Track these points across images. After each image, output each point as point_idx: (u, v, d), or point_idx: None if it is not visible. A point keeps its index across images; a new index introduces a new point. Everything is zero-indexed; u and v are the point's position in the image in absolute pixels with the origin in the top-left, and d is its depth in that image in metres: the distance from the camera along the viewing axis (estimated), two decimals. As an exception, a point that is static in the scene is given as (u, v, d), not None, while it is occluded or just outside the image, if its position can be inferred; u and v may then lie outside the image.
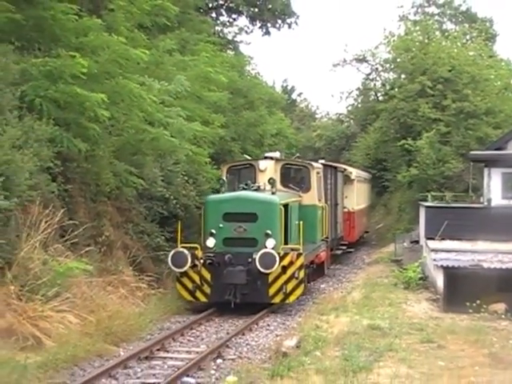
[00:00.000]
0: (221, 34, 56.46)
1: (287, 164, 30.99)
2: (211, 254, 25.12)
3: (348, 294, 28.95)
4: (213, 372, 18.24)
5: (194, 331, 22.62)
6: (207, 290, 25.32)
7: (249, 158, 32.91)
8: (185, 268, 25.04)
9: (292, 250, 25.40)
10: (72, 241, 23.21)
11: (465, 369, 16.86)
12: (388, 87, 58.41)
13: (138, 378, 17.83)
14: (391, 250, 40.18)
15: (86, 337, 19.98)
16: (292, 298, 25.19)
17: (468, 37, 60.91)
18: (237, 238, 25.46)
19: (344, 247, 40.88)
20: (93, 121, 25.25)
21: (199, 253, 25.28)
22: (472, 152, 39.07)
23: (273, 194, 26.70)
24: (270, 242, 24.80)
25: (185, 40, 40.90)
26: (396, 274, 31.33)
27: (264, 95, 53.61)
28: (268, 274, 24.52)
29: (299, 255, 24.98)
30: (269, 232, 25.01)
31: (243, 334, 22.18)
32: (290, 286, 24.82)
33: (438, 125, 48.15)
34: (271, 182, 27.02)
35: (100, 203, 27.59)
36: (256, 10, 57.71)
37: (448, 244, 28.55)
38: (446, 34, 61.18)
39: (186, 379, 17.27)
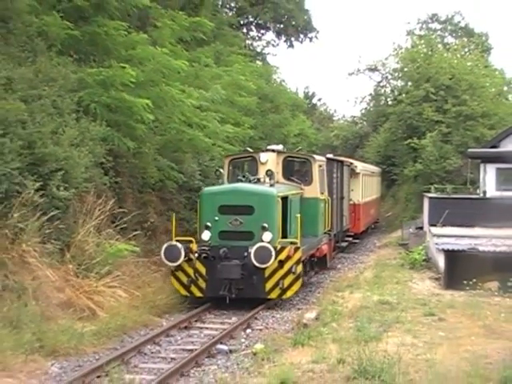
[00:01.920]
0: (251, 47, 56.39)
1: (289, 157, 27.13)
2: (206, 248, 21.83)
3: (361, 273, 28.90)
4: (243, 340, 18.32)
5: (227, 305, 21.95)
6: (202, 284, 21.95)
7: (251, 150, 28.54)
8: (178, 262, 21.74)
9: (291, 243, 22.06)
10: (121, 226, 23.35)
11: (462, 338, 16.86)
12: (396, 93, 58.26)
13: (179, 344, 17.98)
14: (399, 235, 40.11)
15: (134, 309, 20.16)
16: (289, 294, 21.96)
17: (466, 49, 60.75)
18: (232, 231, 22.09)
19: (350, 239, 37.74)
20: (139, 122, 25.41)
21: (194, 246, 21.92)
22: (470, 150, 38.92)
23: (271, 186, 23.39)
24: (267, 236, 21.61)
25: (219, 52, 40.97)
26: (403, 256, 31.28)
27: (288, 100, 53.68)
28: (264, 269, 21.29)
29: (297, 249, 21.67)
30: (265, 225, 21.72)
31: (269, 308, 22.07)
32: (287, 281, 21.56)
33: (440, 126, 48.03)
34: (269, 173, 23.91)
35: (146, 194, 27.79)
36: (281, 26, 57.64)
37: (448, 230, 28.47)
38: (447, 46, 61.06)
39: (219, 346, 17.37)
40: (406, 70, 55.56)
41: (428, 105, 49.36)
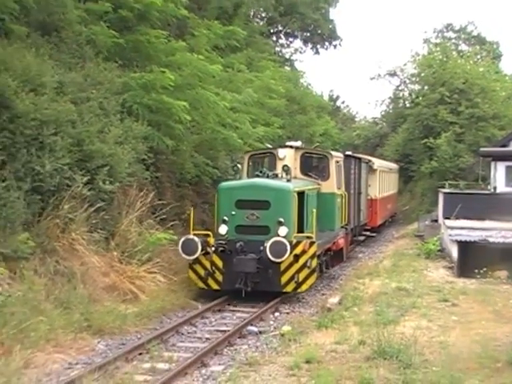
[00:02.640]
0: (280, 54, 56.38)
1: (307, 153, 25.67)
2: (223, 242, 20.59)
3: (380, 262, 28.85)
4: (271, 322, 18.41)
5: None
6: (219, 277, 20.79)
7: (270, 146, 27.35)
8: (195, 255, 20.52)
9: (307, 238, 20.81)
10: (161, 217, 23.47)
11: (473, 323, 16.85)
12: (414, 96, 58.09)
13: (213, 326, 18.05)
14: (415, 227, 39.97)
15: (172, 293, 20.30)
16: (304, 288, 20.61)
17: (479, 56, 60.57)
18: (249, 226, 20.78)
19: (367, 232, 36.50)
20: (177, 122, 25.45)
21: (211, 240, 20.75)
22: (481, 149, 38.77)
23: (288, 181, 22.19)
24: (283, 230, 20.28)
25: (251, 58, 40.99)
26: (419, 247, 31.16)
27: (314, 102, 53.65)
28: (280, 263, 20.02)
29: (312, 244, 20.36)
30: (281, 220, 20.44)
31: (296, 293, 21.78)
32: (302, 275, 20.23)
33: (454, 127, 47.84)
34: (286, 169, 22.66)
35: (183, 188, 27.89)
36: (308, 34, 57.55)
37: (461, 223, 28.38)
38: (461, 53, 60.75)
39: (250, 328, 17.46)
40: (422, 75, 55.38)
41: (443, 107, 49.16)
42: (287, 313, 19.55)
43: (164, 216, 23.59)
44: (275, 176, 22.99)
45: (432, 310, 18.31)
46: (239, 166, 23.88)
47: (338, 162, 26.01)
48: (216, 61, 30.28)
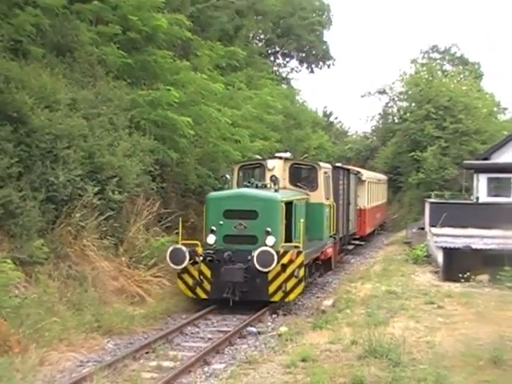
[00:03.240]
0: (277, 73, 56.43)
1: (296, 164, 24.38)
2: (211, 251, 19.31)
3: (371, 267, 28.86)
4: (269, 324, 18.38)
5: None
6: (207, 286, 19.51)
7: (259, 157, 26.17)
8: (183, 265, 19.26)
9: (295, 247, 19.58)
10: (166, 225, 23.48)
11: (458, 323, 16.85)
12: (402, 112, 58.03)
13: (215, 326, 18.05)
14: (403, 234, 39.96)
15: (176, 296, 20.27)
16: (292, 297, 19.42)
17: (462, 76, 60.59)
18: (237, 235, 19.53)
19: (356, 241, 35.26)
20: (182, 137, 25.53)
21: (199, 249, 19.40)
22: (465, 161, 38.86)
23: (276, 191, 20.70)
24: (270, 240, 19.04)
25: (250, 77, 41.09)
26: (407, 253, 31.17)
27: (309, 118, 53.93)
28: (267, 272, 18.80)
29: (299, 253, 19.06)
30: (269, 229, 19.20)
31: (284, 302, 20.97)
32: (289, 285, 18.99)
33: (439, 141, 47.90)
34: (273, 179, 21.10)
35: (187, 197, 27.88)
36: (303, 54, 57.68)
37: (446, 230, 28.34)
38: (446, 73, 60.83)
39: (249, 328, 17.45)
40: (410, 92, 55.48)
41: (429, 122, 49.26)
42: (284, 315, 19.48)
43: (169, 224, 23.56)
44: (264, 186, 21.92)
45: (419, 311, 18.32)
46: (228, 176, 22.43)
47: (326, 172, 24.90)
48: (218, 79, 30.40)
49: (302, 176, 24.57)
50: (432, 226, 30.22)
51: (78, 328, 15.80)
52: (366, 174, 39.10)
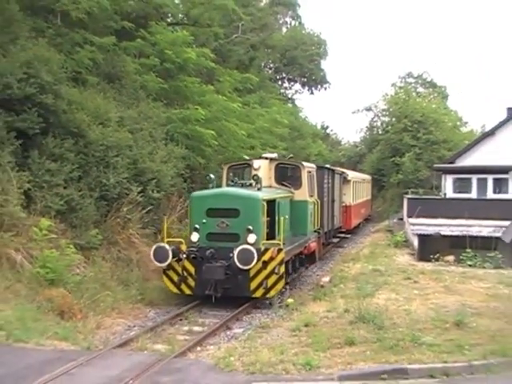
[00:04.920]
0: (284, 94, 56.45)
1: (281, 164, 21.52)
2: (194, 249, 16.82)
3: (360, 250, 28.64)
4: (279, 296, 18.12)
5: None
6: (192, 283, 16.93)
7: (247, 158, 23.19)
8: (166, 263, 16.65)
9: (277, 244, 16.87)
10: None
11: (429, 295, 16.71)
12: (384, 126, 57.85)
13: (235, 299, 18.05)
14: (386, 224, 39.81)
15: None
16: (273, 293, 16.60)
17: (431, 96, 60.70)
18: (219, 233, 16.90)
19: (342, 234, 32.32)
20: (207, 146, 25.71)
21: (184, 247, 16.92)
22: (435, 165, 38.82)
23: (258, 190, 18.13)
24: (252, 238, 16.59)
25: (262, 97, 41.14)
26: (389, 238, 30.94)
27: (309, 130, 53.91)
28: (249, 269, 16.19)
29: (279, 250, 16.43)
30: (250, 227, 16.61)
31: (298, 274, 21.00)
32: (270, 281, 16.40)
33: (414, 148, 47.64)
34: (255, 178, 18.70)
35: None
36: (305, 79, 57.67)
37: (420, 220, 28.32)
38: (419, 94, 60.79)
39: (263, 300, 17.33)
40: (391, 109, 55.31)
41: (406, 134, 49.03)
42: (291, 289, 19.38)
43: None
44: (250, 185, 19.10)
45: (399, 285, 18.23)
46: (212, 176, 19.14)
47: (310, 172, 22.11)
48: (236, 100, 30.55)
49: (287, 175, 21.60)
50: (409, 216, 30.20)
51: (125, 300, 15.96)
52: (352, 175, 36.59)
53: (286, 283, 17.93)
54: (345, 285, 18.70)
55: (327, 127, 74.28)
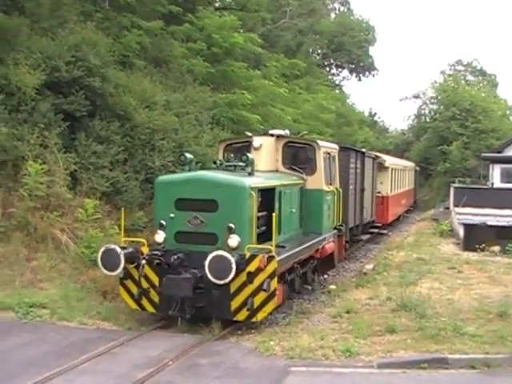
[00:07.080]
0: (331, 80, 56.22)
1: (290, 142, 16.32)
2: (158, 252, 12.15)
3: (405, 238, 28.40)
4: (321, 282, 18.33)
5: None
6: (155, 298, 12.27)
7: (249, 134, 17.16)
8: (117, 271, 12.06)
9: (270, 250, 11.96)
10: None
11: (473, 285, 16.52)
12: (432, 113, 57.23)
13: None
14: (432, 212, 39.37)
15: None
16: (260, 316, 11.91)
17: (481, 84, 59.85)
18: (191, 233, 12.27)
19: (375, 230, 28.25)
20: (253, 131, 25.61)
21: (145, 249, 12.34)
22: (483, 154, 38.23)
23: (249, 174, 13.20)
24: (234, 240, 11.84)
25: (309, 83, 41.00)
26: (435, 227, 30.62)
27: (356, 117, 53.45)
28: (229, 283, 11.52)
29: (271, 258, 11.63)
30: (232, 225, 11.93)
31: (340, 261, 20.48)
32: (257, 300, 11.70)
33: (462, 137, 47.00)
34: (245, 159, 13.57)
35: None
36: (353, 66, 57.35)
37: (466, 210, 27.87)
38: (468, 82, 59.90)
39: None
40: (439, 97, 54.65)
41: (454, 122, 48.36)
42: (333, 275, 19.32)
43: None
44: (242, 169, 13.71)
45: (443, 275, 18.04)
46: (187, 155, 13.74)
47: (328, 153, 17.10)
48: (282, 85, 30.50)
49: (298, 157, 16.54)
50: (455, 206, 29.75)
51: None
52: (390, 161, 31.54)
53: (290, 299, 14.73)
54: (388, 273, 18.55)
55: (375, 114, 73.68)
